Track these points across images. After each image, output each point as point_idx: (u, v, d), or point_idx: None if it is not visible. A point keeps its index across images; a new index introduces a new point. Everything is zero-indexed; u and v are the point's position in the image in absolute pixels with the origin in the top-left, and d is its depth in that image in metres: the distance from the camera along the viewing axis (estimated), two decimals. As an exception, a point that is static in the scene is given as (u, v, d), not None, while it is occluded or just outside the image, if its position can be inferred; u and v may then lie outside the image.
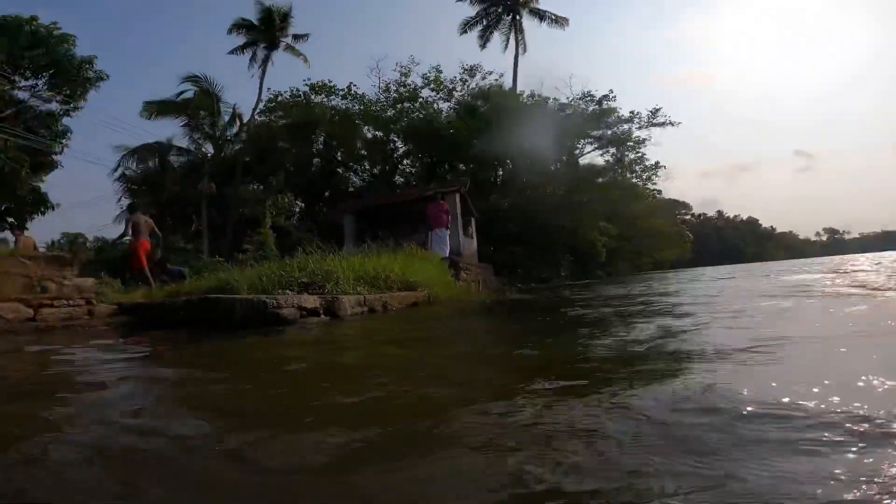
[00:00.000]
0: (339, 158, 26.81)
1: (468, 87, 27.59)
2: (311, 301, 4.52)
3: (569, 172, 26.65)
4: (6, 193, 17.54)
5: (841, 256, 37.59)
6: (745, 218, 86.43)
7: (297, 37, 25.94)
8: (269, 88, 26.36)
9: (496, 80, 27.73)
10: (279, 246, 14.97)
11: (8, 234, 17.89)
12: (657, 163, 30.34)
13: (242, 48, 25.67)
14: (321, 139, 25.75)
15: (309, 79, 28.08)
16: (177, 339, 3.68)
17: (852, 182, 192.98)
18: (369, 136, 26.73)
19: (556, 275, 22.25)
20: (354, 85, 26.72)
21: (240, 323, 4.09)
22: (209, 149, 25.76)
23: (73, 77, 18.37)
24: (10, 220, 18.42)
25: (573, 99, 27.97)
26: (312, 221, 24.81)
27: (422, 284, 6.80)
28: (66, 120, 19.23)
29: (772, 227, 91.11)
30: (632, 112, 28.20)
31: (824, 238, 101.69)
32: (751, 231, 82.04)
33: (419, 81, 27.32)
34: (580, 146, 28.72)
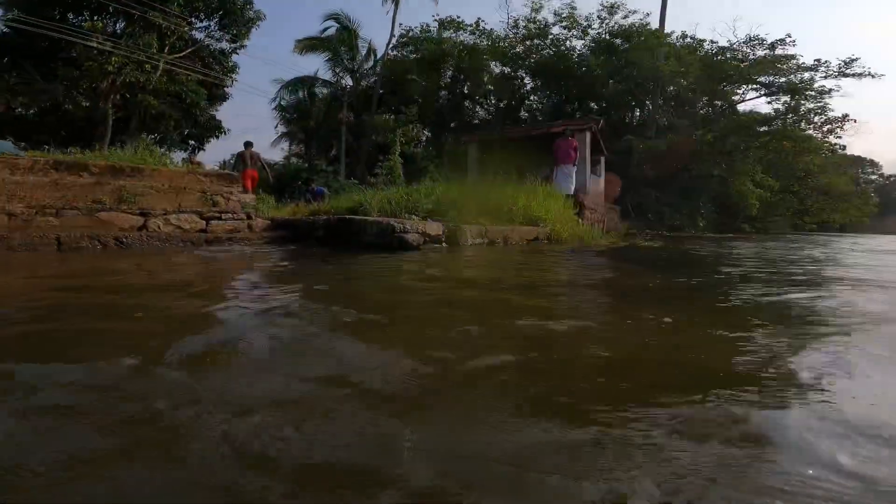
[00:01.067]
0: (466, 92, 26.85)
1: (606, 25, 25.48)
2: (434, 228, 4.62)
3: (723, 118, 23.75)
4: (189, 120, 20.70)
5: None
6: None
7: (425, -31, 25.81)
8: (400, 24, 26.77)
9: (641, 19, 25.12)
10: (406, 172, 15.64)
11: (185, 154, 21.26)
12: (845, 115, 25.14)
13: (376, -18, 26.17)
14: (449, 73, 25.88)
15: (437, 14, 28.04)
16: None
17: None
18: (496, 71, 26.64)
19: (693, 224, 20.19)
20: (483, 20, 26.16)
21: (369, 243, 4.36)
22: (348, 81, 27.40)
23: (238, 17, 20.30)
24: (192, 142, 21.85)
25: (736, 43, 24.20)
26: (438, 150, 25.40)
27: (543, 220, 6.57)
28: (234, 57, 21.72)
29: None
30: (817, 60, 23.61)
31: None
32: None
33: (551, 18, 25.85)
34: (741, 91, 25.25)
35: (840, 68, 23.52)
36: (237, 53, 21.78)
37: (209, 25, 20.70)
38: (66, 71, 17.31)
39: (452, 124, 25.66)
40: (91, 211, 4.46)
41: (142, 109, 18.70)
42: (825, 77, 23.88)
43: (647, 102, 25.59)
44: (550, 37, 25.40)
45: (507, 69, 26.23)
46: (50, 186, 4.91)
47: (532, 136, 14.79)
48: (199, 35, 20.65)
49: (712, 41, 24.96)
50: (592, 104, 26.31)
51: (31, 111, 18.60)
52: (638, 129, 24.87)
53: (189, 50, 19.77)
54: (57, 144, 19.30)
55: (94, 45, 16.51)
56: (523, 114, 27.63)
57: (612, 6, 25.36)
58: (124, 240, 4.12)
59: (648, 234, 11.00)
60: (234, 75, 21.92)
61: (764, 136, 23.48)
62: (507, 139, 15.65)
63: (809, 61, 23.89)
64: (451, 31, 25.74)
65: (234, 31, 20.81)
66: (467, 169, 15.29)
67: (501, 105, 26.81)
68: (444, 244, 4.70)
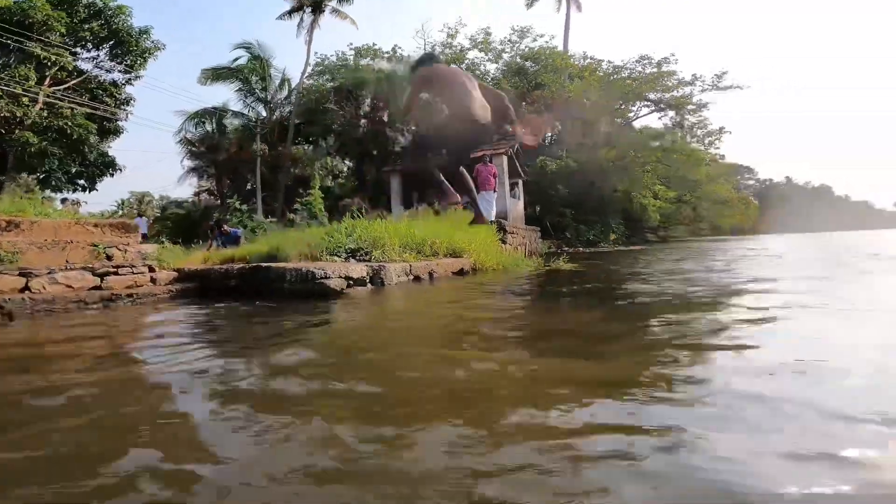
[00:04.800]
0: (386, 120, 27.14)
1: (517, 48, 27.23)
2: (357, 270, 4.51)
3: (622, 135, 26.05)
4: (76, 157, 18.83)
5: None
6: (816, 185, 79.84)
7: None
8: (316, 52, 26.73)
9: (547, 41, 27.15)
10: (327, 205, 15.34)
11: (79, 196, 19.27)
12: (721, 128, 28.74)
13: (290, 12, 25.91)
14: (368, 101, 26.07)
15: (352, 43, 28.55)
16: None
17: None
18: None
19: (606, 238, 21.68)
20: (399, 47, 26.89)
21: (290, 291, 4.16)
22: (261, 112, 26.55)
23: (132, 47, 19.12)
24: (81, 181, 19.83)
25: (628, 61, 26.85)
26: (360, 181, 25.21)
27: (468, 251, 6.68)
28: (128, 88, 20.26)
29: (846, 195, 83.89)
30: (694, 75, 26.86)
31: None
32: (822, 198, 75.76)
33: (466, 43, 27.18)
34: (635, 108, 27.94)
35: (713, 82, 26.70)
36: (132, 84, 20.39)
37: (97, 56, 19.34)
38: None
39: (374, 152, 25.69)
40: (-46, 277, 3.84)
41: (19, 146, 16.82)
42: (702, 91, 27.01)
43: (558, 123, 27.43)
44: (466, 62, 26.51)
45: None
46: None
47: (452, 162, 15.12)
48: (86, 66, 19.23)
49: (609, 60, 27.25)
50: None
51: None
52: (550, 150, 26.51)
53: (74, 81, 18.31)
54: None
55: (-42, 76, 14.73)
56: (445, 139, 28.55)
57: (522, 30, 27.15)
58: (3, 305, 3.59)
59: (568, 254, 11.59)
60: (128, 108, 20.48)
61: (658, 151, 25.96)
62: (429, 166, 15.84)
63: (688, 77, 26.82)
64: (368, 58, 26.05)
65: (129, 61, 19.53)
66: (391, 200, 15.31)
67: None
68: (368, 285, 4.60)
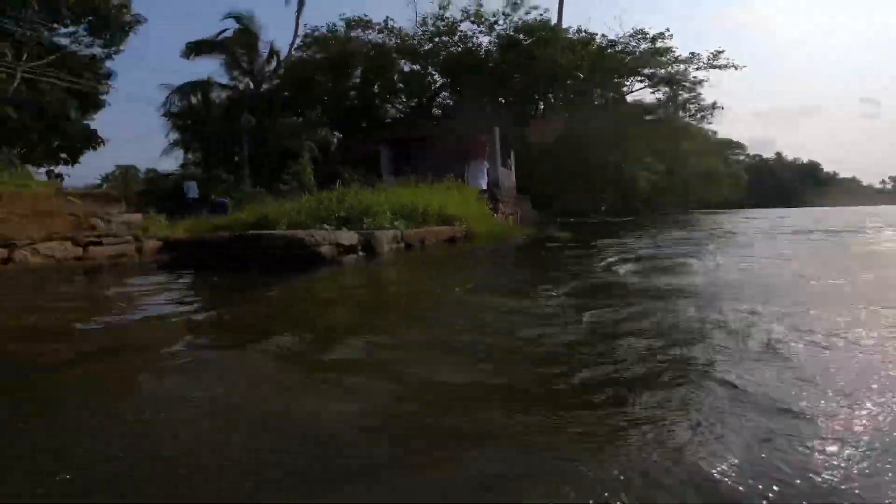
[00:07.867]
0: (376, 91, 26.72)
1: (510, 21, 26.75)
2: (347, 238, 4.47)
3: (615, 108, 25.86)
4: (55, 132, 18.61)
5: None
6: (805, 161, 79.97)
7: (330, -33, 25.29)
8: (305, 24, 25.96)
9: (541, 14, 26.62)
10: (317, 177, 15.17)
11: (62, 169, 19.00)
12: (714, 103, 28.33)
13: (278, -19, 24.86)
14: (358, 73, 25.60)
15: (345, 13, 27.96)
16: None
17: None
18: (406, 69, 27.06)
19: (596, 209, 21.71)
20: (391, 19, 26.42)
21: (281, 259, 4.11)
22: (248, 84, 25.86)
23: (111, 22, 18.81)
24: (63, 155, 19.46)
25: (623, 36, 26.31)
26: (349, 153, 24.84)
27: (459, 218, 6.64)
28: (109, 63, 20.15)
29: (834, 172, 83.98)
30: (691, 53, 26.38)
31: (889, 186, 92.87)
32: (811, 175, 76.12)
33: (458, 15, 26.71)
34: (628, 83, 27.62)
35: (709, 60, 26.28)
36: (112, 59, 20.21)
37: (76, 31, 18.97)
38: None
39: (364, 124, 25.26)
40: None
41: (-2, 122, 16.39)
42: (697, 69, 26.64)
43: (550, 95, 27.08)
44: (459, 34, 26.12)
45: (416, 66, 26.52)
46: None
47: (444, 133, 14.95)
48: (63, 41, 18.87)
49: (603, 35, 26.80)
50: (501, 99, 27.42)
51: None
52: (542, 122, 26.17)
53: (51, 57, 17.92)
54: None
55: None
56: (436, 111, 28.21)
57: (514, 3, 26.45)
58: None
59: (556, 224, 11.59)
60: (108, 82, 20.26)
61: (651, 125, 25.83)
62: (419, 138, 15.65)
63: (685, 53, 26.44)
64: (359, 29, 25.49)
65: (108, 36, 19.23)
66: (381, 170, 15.13)
67: (412, 103, 27.05)
68: (360, 253, 4.57)
